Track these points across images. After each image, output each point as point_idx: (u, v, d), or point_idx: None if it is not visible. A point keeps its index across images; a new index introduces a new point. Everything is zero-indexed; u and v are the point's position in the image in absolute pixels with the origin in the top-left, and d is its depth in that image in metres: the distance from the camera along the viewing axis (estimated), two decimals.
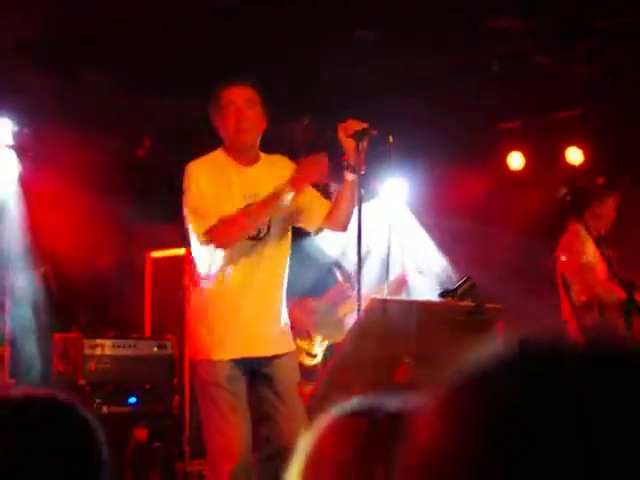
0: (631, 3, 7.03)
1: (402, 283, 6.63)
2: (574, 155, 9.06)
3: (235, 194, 4.53)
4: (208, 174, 4.57)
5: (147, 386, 7.21)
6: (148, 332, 7.86)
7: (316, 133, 7.52)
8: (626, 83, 8.11)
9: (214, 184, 4.53)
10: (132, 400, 7.10)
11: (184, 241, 8.13)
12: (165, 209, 8.11)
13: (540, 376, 0.76)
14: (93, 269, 8.29)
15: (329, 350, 5.54)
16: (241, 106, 4.61)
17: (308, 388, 4.13)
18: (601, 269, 6.69)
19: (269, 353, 4.56)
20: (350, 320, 6.46)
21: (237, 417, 4.43)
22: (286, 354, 4.62)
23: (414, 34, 7.35)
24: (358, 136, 4.39)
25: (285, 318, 4.69)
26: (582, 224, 6.73)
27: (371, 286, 6.29)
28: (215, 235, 4.40)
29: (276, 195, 4.40)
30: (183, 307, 7.53)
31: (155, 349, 7.33)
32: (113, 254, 8.54)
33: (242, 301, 4.49)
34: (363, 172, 4.43)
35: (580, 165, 9.06)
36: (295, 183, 4.40)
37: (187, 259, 7.63)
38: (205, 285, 4.55)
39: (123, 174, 8.40)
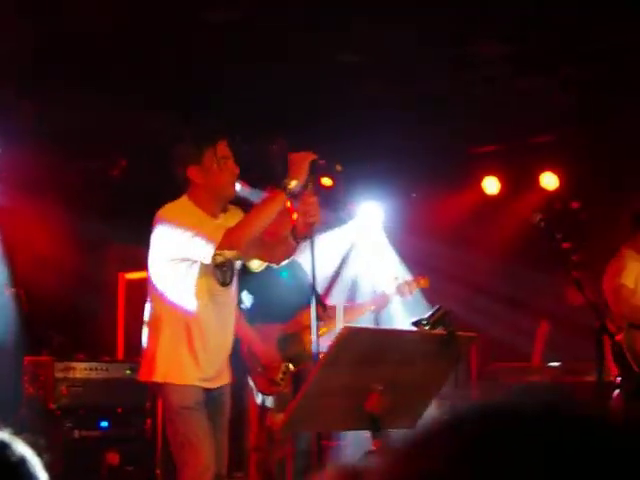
0: (607, 32, 7.08)
1: (383, 302, 6.61)
2: (549, 180, 9.10)
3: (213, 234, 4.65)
4: (186, 215, 4.70)
5: (119, 410, 7.15)
6: (121, 355, 7.80)
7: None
8: (601, 110, 8.16)
9: (194, 220, 4.68)
10: (104, 424, 7.04)
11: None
12: (139, 230, 8.07)
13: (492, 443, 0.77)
14: (66, 290, 8.23)
15: (297, 377, 5.50)
16: (234, 162, 4.80)
17: (279, 417, 4.10)
18: None
19: (221, 383, 4.80)
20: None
21: (208, 440, 4.59)
22: (227, 385, 4.86)
23: (396, 58, 7.39)
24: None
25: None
26: (631, 246, 6.77)
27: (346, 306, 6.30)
28: (232, 241, 4.54)
29: (282, 188, 4.49)
30: None
31: (127, 372, 7.26)
32: (86, 275, 8.49)
33: (209, 336, 4.70)
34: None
35: (555, 190, 9.10)
36: (293, 174, 4.47)
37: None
38: (173, 315, 4.71)
39: (98, 194, 8.36)
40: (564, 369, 8.28)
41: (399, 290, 6.59)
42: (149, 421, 7.29)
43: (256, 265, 5.00)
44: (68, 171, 8.16)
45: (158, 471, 7.34)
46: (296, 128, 8.06)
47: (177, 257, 4.65)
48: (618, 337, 6.66)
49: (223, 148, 4.77)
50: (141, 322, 7.64)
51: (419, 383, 4.00)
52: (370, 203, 9.44)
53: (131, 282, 7.98)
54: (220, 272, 4.71)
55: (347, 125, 8.32)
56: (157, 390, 4.88)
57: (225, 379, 4.85)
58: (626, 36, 7.16)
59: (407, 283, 6.68)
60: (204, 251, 4.53)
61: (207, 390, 4.71)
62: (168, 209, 4.73)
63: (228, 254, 4.66)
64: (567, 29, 7.10)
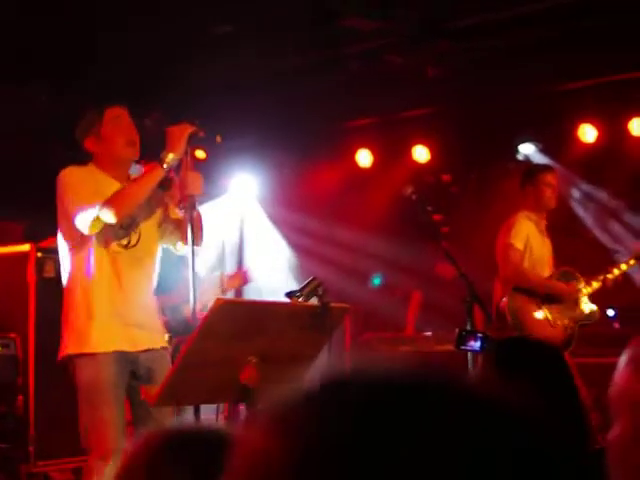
0: (482, 6, 7.21)
1: (243, 279, 6.64)
2: (420, 153, 9.24)
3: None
4: (87, 176, 4.66)
5: None
6: None
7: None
8: (473, 83, 8.32)
9: (91, 184, 4.62)
10: None
11: (28, 237, 7.98)
12: (8, 204, 7.91)
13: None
14: None
15: (176, 349, 5.50)
16: (129, 121, 4.77)
17: (154, 389, 4.09)
18: (542, 257, 6.85)
19: (145, 346, 4.63)
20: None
21: (116, 421, 4.47)
22: (161, 348, 4.74)
23: (270, 30, 7.38)
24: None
25: (158, 315, 4.85)
26: (524, 211, 6.85)
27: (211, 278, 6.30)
28: (111, 207, 4.46)
29: (158, 161, 4.51)
30: (27, 304, 7.36)
31: None
32: None
33: (118, 300, 4.59)
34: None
35: (426, 163, 9.25)
36: (170, 147, 4.50)
37: (31, 255, 7.47)
38: (79, 284, 4.61)
39: None
40: (436, 338, 8.46)
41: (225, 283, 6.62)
42: (21, 397, 7.17)
43: (175, 247, 4.90)
44: None
45: (31, 448, 7.24)
46: (169, 100, 8.00)
47: (69, 222, 4.57)
48: (502, 302, 6.77)
49: (112, 112, 4.73)
50: (11, 297, 7.52)
51: (293, 354, 4.04)
52: (244, 176, 9.46)
53: (0, 257, 7.78)
54: (123, 233, 4.64)
55: (220, 97, 8.30)
56: (70, 368, 4.60)
57: (152, 342, 4.69)
58: (498, 12, 7.32)
59: (230, 277, 6.69)
60: (83, 221, 4.48)
61: (130, 355, 4.57)
62: (70, 168, 4.67)
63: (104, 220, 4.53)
64: (439, 3, 7.22)
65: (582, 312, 6.79)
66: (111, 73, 7.21)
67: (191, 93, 8.18)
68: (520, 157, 9.10)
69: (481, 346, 4.87)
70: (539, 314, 6.70)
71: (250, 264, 7.60)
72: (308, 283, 4.20)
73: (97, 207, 4.44)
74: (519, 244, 6.73)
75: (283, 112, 8.82)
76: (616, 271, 6.85)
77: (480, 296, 5.96)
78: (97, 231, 4.53)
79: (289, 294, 4.20)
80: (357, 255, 9.23)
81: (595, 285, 6.85)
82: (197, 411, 4.02)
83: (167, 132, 4.54)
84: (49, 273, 7.42)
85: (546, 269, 6.87)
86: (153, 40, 7.34)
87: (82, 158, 4.78)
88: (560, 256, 7.00)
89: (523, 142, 9.06)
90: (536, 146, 9.04)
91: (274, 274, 7.18)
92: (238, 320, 3.81)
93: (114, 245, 4.61)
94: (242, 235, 9.44)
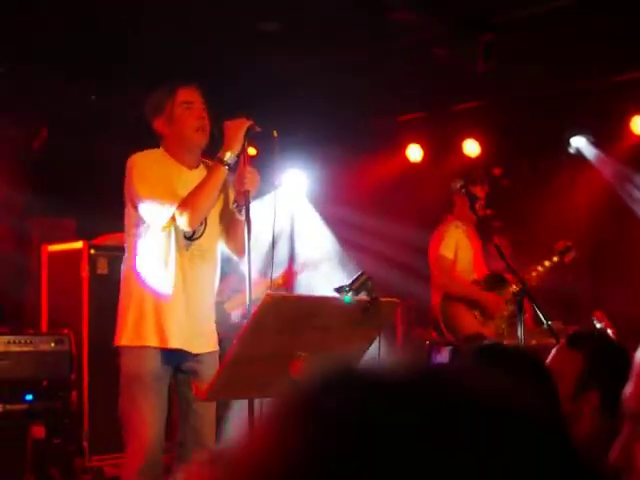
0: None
1: (292, 275, 6.67)
2: (471, 147, 9.19)
3: (179, 193, 4.48)
4: (157, 166, 4.54)
5: (44, 382, 7.08)
6: (45, 327, 7.72)
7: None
8: (522, 76, 8.26)
9: (162, 177, 4.52)
10: (29, 397, 6.97)
11: (80, 234, 8.06)
12: (61, 202, 7.99)
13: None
14: None
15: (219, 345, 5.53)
16: (202, 107, 4.63)
17: (203, 385, 4.11)
18: (473, 259, 6.84)
19: (199, 350, 4.57)
20: (237, 314, 6.54)
21: (156, 417, 4.44)
22: (212, 352, 4.65)
23: (318, 26, 7.38)
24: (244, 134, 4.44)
25: (213, 317, 4.75)
26: (455, 216, 6.88)
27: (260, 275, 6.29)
28: (184, 218, 4.38)
29: (218, 161, 4.43)
30: (81, 301, 7.44)
31: (52, 344, 7.20)
32: (8, 248, 8.38)
33: (178, 296, 4.49)
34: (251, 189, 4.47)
35: (477, 157, 9.20)
36: (227, 144, 4.42)
37: (85, 252, 7.55)
38: (138, 276, 4.51)
39: (17, 166, 8.24)
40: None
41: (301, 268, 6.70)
42: (75, 393, 7.25)
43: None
44: None
45: (85, 443, 7.31)
46: (218, 94, 8.02)
47: (136, 212, 4.50)
48: (435, 307, 6.85)
49: (185, 93, 4.60)
50: (64, 294, 7.60)
51: (343, 349, 4.03)
52: (294, 171, 9.47)
53: (54, 254, 7.86)
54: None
55: (270, 94, 8.31)
56: (118, 359, 4.58)
57: (206, 346, 4.62)
58: (547, 3, 7.25)
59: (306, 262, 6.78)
60: (158, 217, 4.41)
61: (180, 354, 4.52)
62: (140, 155, 4.54)
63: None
64: None
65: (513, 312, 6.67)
66: (159, 72, 7.24)
67: (239, 91, 8.19)
68: (572, 150, 9.02)
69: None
70: (469, 315, 6.73)
71: (300, 259, 7.58)
72: (357, 278, 4.18)
73: (170, 212, 4.36)
74: (449, 254, 6.81)
75: (332, 108, 8.81)
76: (540, 268, 6.74)
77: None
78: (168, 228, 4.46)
79: (338, 289, 4.19)
80: (407, 250, 9.20)
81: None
82: (251, 405, 4.02)
83: (224, 127, 4.42)
84: (102, 270, 7.50)
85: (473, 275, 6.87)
86: (200, 37, 7.37)
87: (131, 154, 4.61)
88: (614, 249, 6.93)
89: (575, 135, 8.99)
90: (588, 139, 8.95)
91: (323, 269, 7.16)
92: (287, 315, 3.81)
93: (179, 237, 4.50)
94: (292, 230, 9.46)
